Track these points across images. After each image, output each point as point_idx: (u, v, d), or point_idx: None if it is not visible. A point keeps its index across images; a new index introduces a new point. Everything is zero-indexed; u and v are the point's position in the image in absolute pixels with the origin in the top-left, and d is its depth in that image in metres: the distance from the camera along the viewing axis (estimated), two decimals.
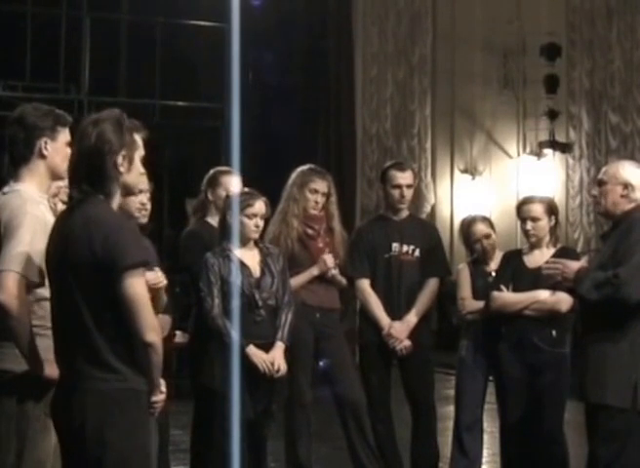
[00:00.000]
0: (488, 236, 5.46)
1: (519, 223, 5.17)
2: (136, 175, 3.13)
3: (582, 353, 4.28)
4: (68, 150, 3.57)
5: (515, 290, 5.01)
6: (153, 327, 2.97)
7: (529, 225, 5.02)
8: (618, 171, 4.32)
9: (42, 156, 3.53)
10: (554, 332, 4.94)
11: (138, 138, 3.15)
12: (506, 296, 5.00)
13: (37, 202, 3.47)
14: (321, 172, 5.44)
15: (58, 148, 3.55)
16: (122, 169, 3.06)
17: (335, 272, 5.32)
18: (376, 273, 5.47)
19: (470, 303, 5.37)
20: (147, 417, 3.08)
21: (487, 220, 5.59)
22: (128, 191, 3.16)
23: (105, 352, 2.95)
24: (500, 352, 5.03)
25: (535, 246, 5.08)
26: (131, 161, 3.09)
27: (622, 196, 4.27)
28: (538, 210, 5.02)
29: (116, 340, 2.96)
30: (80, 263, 2.95)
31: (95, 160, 3.01)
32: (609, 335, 4.15)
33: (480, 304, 5.25)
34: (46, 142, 3.53)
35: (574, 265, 4.34)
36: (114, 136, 3.04)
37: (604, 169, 4.43)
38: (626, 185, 4.27)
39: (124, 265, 2.92)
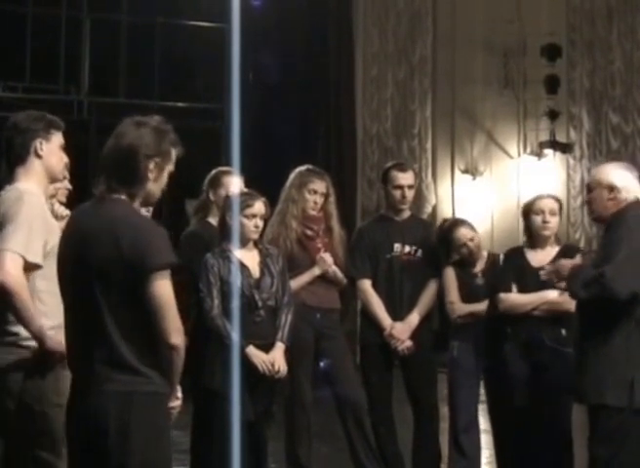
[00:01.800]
0: (472, 238, 5.45)
1: (521, 222, 5.17)
2: (160, 186, 3.08)
3: (580, 354, 4.26)
4: (63, 154, 3.67)
5: (521, 289, 5.00)
6: (178, 329, 2.91)
7: (548, 217, 5.01)
8: (601, 175, 4.32)
9: (38, 156, 3.60)
10: (564, 331, 4.93)
11: (173, 153, 3.09)
12: (514, 298, 4.99)
13: (35, 194, 3.53)
14: (319, 172, 5.42)
15: (52, 149, 3.64)
16: (151, 175, 3.01)
17: (335, 269, 5.32)
18: (377, 273, 5.46)
19: (460, 307, 5.36)
20: (169, 422, 3.03)
21: (467, 223, 5.58)
22: (146, 200, 3.08)
23: (127, 354, 2.88)
24: (506, 352, 5.01)
25: (538, 244, 5.07)
26: (161, 171, 3.04)
27: (610, 199, 4.25)
28: (555, 205, 5.07)
29: (139, 341, 2.89)
30: (105, 262, 2.88)
31: (129, 159, 2.97)
32: (603, 334, 4.12)
33: (469, 307, 5.30)
34: (41, 143, 3.60)
35: (569, 264, 4.34)
36: (154, 142, 3.00)
37: (591, 173, 4.43)
38: (612, 188, 4.25)
39: (153, 266, 2.87)
